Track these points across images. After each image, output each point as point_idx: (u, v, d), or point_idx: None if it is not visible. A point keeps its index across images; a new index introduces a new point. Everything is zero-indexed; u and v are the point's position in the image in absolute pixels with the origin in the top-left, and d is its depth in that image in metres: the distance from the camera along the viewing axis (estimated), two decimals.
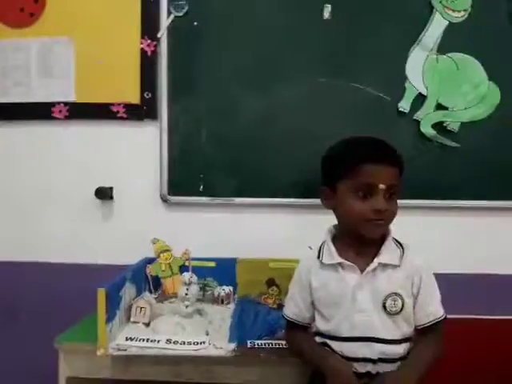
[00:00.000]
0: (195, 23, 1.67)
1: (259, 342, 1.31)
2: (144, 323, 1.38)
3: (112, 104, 1.71)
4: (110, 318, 1.27)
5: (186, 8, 1.66)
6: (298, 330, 1.23)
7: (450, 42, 1.62)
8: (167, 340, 1.27)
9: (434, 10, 1.61)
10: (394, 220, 1.16)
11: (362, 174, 1.11)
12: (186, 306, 1.39)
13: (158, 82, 1.69)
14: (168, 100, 1.69)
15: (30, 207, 1.77)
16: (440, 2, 1.61)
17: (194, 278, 1.42)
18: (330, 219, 1.21)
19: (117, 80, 1.71)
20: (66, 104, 1.73)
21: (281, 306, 1.40)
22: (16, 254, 1.75)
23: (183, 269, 1.59)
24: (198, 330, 1.34)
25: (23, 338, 1.75)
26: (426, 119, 1.64)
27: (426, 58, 1.63)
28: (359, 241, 1.15)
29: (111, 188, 1.75)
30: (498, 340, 1.64)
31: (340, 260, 1.14)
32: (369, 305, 1.12)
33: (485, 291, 1.63)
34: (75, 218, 1.76)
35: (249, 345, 1.29)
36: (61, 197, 1.76)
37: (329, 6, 1.63)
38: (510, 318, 1.65)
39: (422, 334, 1.16)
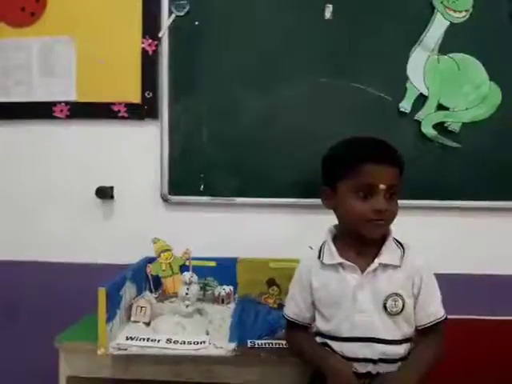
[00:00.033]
0: (196, 23, 1.67)
1: (259, 341, 1.31)
2: (144, 323, 1.39)
3: (113, 103, 1.71)
4: (110, 317, 1.27)
5: (188, 8, 1.66)
6: (298, 329, 1.23)
7: (451, 42, 1.62)
8: (167, 339, 1.28)
9: (436, 11, 1.61)
10: (395, 220, 1.16)
11: (363, 174, 1.11)
12: (187, 306, 1.39)
13: (159, 81, 1.69)
14: (169, 99, 1.69)
15: (31, 206, 1.77)
16: (441, 3, 1.61)
17: (195, 278, 1.42)
18: (330, 219, 1.21)
19: (118, 79, 1.71)
20: (67, 103, 1.73)
21: (281, 306, 1.40)
22: (16, 253, 1.76)
23: (184, 268, 1.59)
24: (199, 330, 1.34)
25: (23, 337, 1.75)
26: (427, 119, 1.64)
27: (427, 59, 1.63)
28: (360, 241, 1.15)
29: (112, 187, 1.75)
30: (498, 341, 1.63)
31: (341, 260, 1.14)
32: (369, 305, 1.12)
33: (485, 292, 1.63)
34: (76, 218, 1.77)
35: (249, 344, 1.29)
36: (61, 196, 1.76)
37: (330, 6, 1.63)
38: (510, 318, 1.64)
39: (423, 334, 1.16)
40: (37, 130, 1.76)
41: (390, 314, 1.12)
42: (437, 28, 1.61)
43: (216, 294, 1.59)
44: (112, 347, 1.26)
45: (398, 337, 1.13)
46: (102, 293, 1.25)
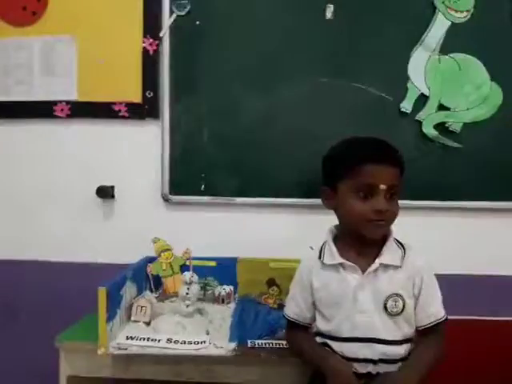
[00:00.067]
0: (197, 22, 1.67)
1: (260, 341, 1.31)
2: (145, 322, 1.39)
3: (114, 103, 1.71)
4: (110, 316, 1.27)
5: (188, 7, 1.66)
6: (298, 330, 1.23)
7: (453, 42, 1.61)
8: (168, 339, 1.28)
9: (437, 11, 1.61)
10: (396, 220, 1.15)
11: (363, 174, 1.11)
12: (187, 306, 1.39)
13: (159, 81, 1.69)
14: (170, 99, 1.69)
15: (31, 206, 1.77)
16: (443, 3, 1.60)
17: (195, 278, 1.42)
18: (331, 219, 1.21)
19: (119, 79, 1.71)
20: (67, 103, 1.73)
21: (281, 306, 1.40)
22: (17, 252, 1.75)
23: (184, 268, 1.58)
24: (199, 330, 1.34)
25: (24, 337, 1.75)
26: (428, 120, 1.64)
27: (428, 59, 1.62)
28: (360, 241, 1.15)
29: (112, 187, 1.75)
30: (499, 341, 1.63)
31: (341, 260, 1.14)
32: (370, 305, 1.12)
33: (486, 292, 1.63)
34: (76, 217, 1.77)
35: (249, 344, 1.29)
36: (62, 195, 1.76)
37: (331, 5, 1.63)
38: (511, 319, 1.64)
39: (423, 335, 1.16)
40: (37, 129, 1.76)
41: (391, 315, 1.12)
42: (438, 28, 1.61)
43: (216, 293, 1.59)
44: (112, 347, 1.26)
45: (398, 337, 1.13)
46: (102, 292, 1.25)
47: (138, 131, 1.73)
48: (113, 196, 1.75)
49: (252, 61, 1.67)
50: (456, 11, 1.61)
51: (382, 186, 1.10)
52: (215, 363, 1.29)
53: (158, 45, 1.69)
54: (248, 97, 1.67)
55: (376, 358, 1.11)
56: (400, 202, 1.15)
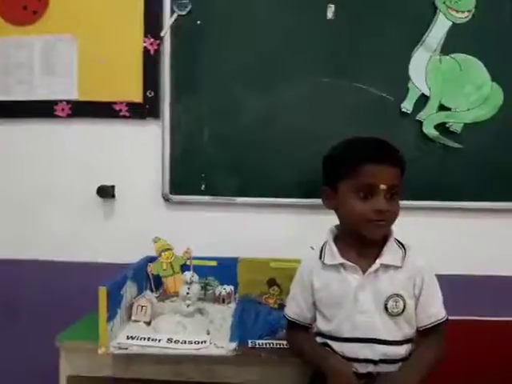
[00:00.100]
0: (198, 22, 1.67)
1: (260, 341, 1.31)
2: (145, 322, 1.39)
3: (114, 102, 1.71)
4: (111, 316, 1.27)
5: (190, 7, 1.66)
6: (299, 330, 1.24)
7: (454, 42, 1.61)
8: (168, 339, 1.27)
9: (438, 11, 1.61)
10: (396, 221, 1.15)
11: (363, 174, 1.11)
12: (187, 305, 1.39)
13: (160, 80, 1.69)
14: (170, 99, 1.69)
15: (32, 205, 1.77)
16: (444, 3, 1.60)
17: (195, 277, 1.42)
18: (331, 219, 1.21)
19: (119, 78, 1.71)
20: (68, 102, 1.73)
21: (282, 306, 1.40)
22: (17, 252, 1.76)
23: (184, 268, 1.58)
24: (199, 330, 1.34)
25: (24, 336, 1.75)
26: (429, 120, 1.64)
27: (429, 59, 1.62)
28: (361, 241, 1.15)
29: (113, 186, 1.75)
30: (500, 342, 1.63)
31: (342, 260, 1.14)
32: (370, 306, 1.12)
33: (487, 292, 1.63)
34: (77, 217, 1.76)
35: (250, 344, 1.29)
36: (62, 195, 1.76)
37: (332, 5, 1.63)
38: (511, 319, 1.64)
39: (424, 335, 1.16)
40: (38, 128, 1.76)
41: (391, 315, 1.12)
42: (439, 28, 1.61)
43: (217, 293, 1.59)
44: (113, 346, 1.26)
45: (398, 337, 1.13)
46: (102, 292, 1.24)
47: (138, 131, 1.73)
48: (113, 196, 1.75)
49: (253, 61, 1.67)
50: (457, 11, 1.61)
51: (383, 186, 1.10)
52: (216, 363, 1.29)
53: (158, 44, 1.69)
54: (249, 97, 1.67)
55: (376, 358, 1.11)
56: (400, 202, 1.15)
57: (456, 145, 1.64)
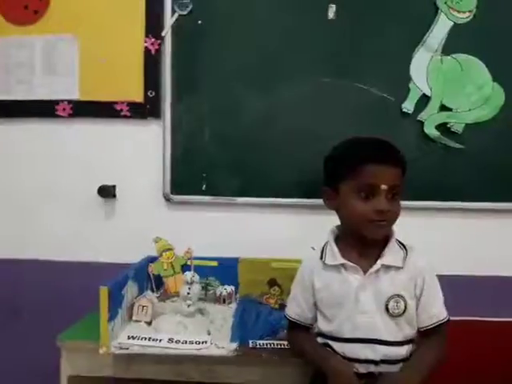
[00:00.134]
0: (199, 22, 1.67)
1: (261, 342, 1.31)
2: (146, 322, 1.39)
3: (116, 102, 1.71)
4: (112, 316, 1.27)
5: (191, 7, 1.66)
6: (300, 330, 1.24)
7: (455, 42, 1.61)
8: (169, 339, 1.27)
9: (439, 11, 1.61)
10: (397, 221, 1.15)
11: (364, 175, 1.11)
12: (188, 305, 1.39)
13: (161, 80, 1.69)
14: (171, 99, 1.69)
15: (33, 205, 1.77)
16: (445, 3, 1.60)
17: (196, 277, 1.42)
18: (332, 220, 1.21)
19: (120, 78, 1.71)
20: (69, 102, 1.73)
21: (282, 307, 1.40)
22: (18, 251, 1.76)
23: (185, 268, 1.58)
24: (200, 330, 1.34)
25: (25, 336, 1.75)
26: (430, 120, 1.64)
27: (430, 59, 1.62)
28: (362, 242, 1.15)
29: (114, 186, 1.75)
30: (501, 342, 1.63)
31: (343, 261, 1.14)
32: (371, 306, 1.12)
33: (488, 293, 1.63)
34: (78, 216, 1.77)
35: (250, 345, 1.29)
36: (63, 195, 1.76)
37: (333, 5, 1.63)
38: None
39: (425, 336, 1.16)
40: (39, 128, 1.76)
41: (392, 316, 1.12)
42: (440, 28, 1.61)
43: (217, 293, 1.59)
44: (114, 346, 1.26)
45: (399, 338, 1.13)
46: (103, 292, 1.24)
47: (139, 131, 1.73)
48: (114, 195, 1.75)
49: (254, 60, 1.66)
50: (458, 12, 1.61)
51: (383, 186, 1.10)
52: (216, 363, 1.29)
53: (159, 44, 1.69)
54: (250, 97, 1.67)
55: (377, 358, 1.11)
56: (402, 202, 1.15)
57: (457, 145, 1.64)
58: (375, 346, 1.11)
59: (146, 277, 1.61)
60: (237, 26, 1.67)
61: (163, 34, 1.68)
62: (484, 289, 1.63)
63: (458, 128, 1.64)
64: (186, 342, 1.27)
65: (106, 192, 1.72)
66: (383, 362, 1.12)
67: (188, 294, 1.39)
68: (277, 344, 1.30)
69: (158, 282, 1.63)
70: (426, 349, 1.13)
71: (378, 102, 1.64)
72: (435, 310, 1.14)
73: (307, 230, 1.61)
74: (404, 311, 1.12)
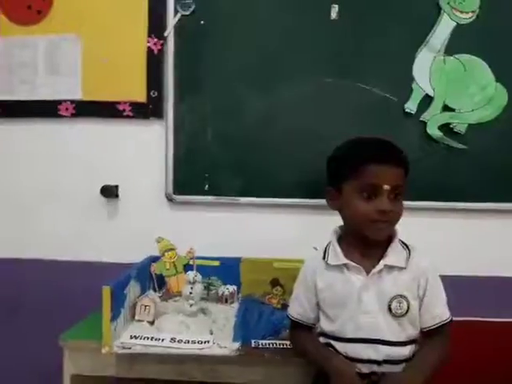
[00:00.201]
0: (202, 22, 1.67)
1: (263, 341, 1.31)
2: (148, 321, 1.39)
3: (118, 102, 1.71)
4: (114, 316, 1.27)
5: (193, 7, 1.66)
6: (302, 330, 1.23)
7: (458, 43, 1.61)
8: (171, 339, 1.27)
9: (442, 11, 1.61)
10: (400, 221, 1.15)
11: (367, 175, 1.11)
12: (190, 305, 1.39)
13: (164, 80, 1.70)
14: (174, 99, 1.69)
15: (36, 205, 1.77)
16: (448, 3, 1.60)
17: (199, 277, 1.42)
18: (335, 220, 1.21)
19: (123, 78, 1.71)
20: (72, 102, 1.73)
21: (285, 307, 1.40)
22: (21, 251, 1.76)
23: (187, 268, 1.58)
24: (202, 329, 1.34)
25: (28, 335, 1.75)
26: (433, 120, 1.63)
27: (433, 59, 1.62)
28: (365, 242, 1.15)
29: (117, 186, 1.75)
30: (504, 343, 1.63)
31: (345, 261, 1.14)
32: (374, 306, 1.12)
33: (491, 293, 1.63)
34: (80, 216, 1.77)
35: (253, 344, 1.29)
36: (66, 195, 1.76)
37: (336, 6, 1.63)
38: None
39: (428, 336, 1.15)
40: (42, 128, 1.76)
41: (395, 316, 1.12)
42: (443, 29, 1.61)
43: (220, 293, 1.59)
44: (116, 346, 1.26)
45: (402, 338, 1.13)
46: (106, 291, 1.25)
47: (142, 131, 1.74)
48: (117, 195, 1.75)
49: (257, 60, 1.67)
50: (461, 12, 1.60)
51: (386, 187, 1.10)
52: (219, 363, 1.29)
53: (162, 44, 1.69)
54: (252, 97, 1.67)
55: (380, 358, 1.11)
56: (404, 202, 1.15)
57: (460, 145, 1.64)
58: (378, 346, 1.11)
59: (149, 276, 1.61)
60: (239, 26, 1.67)
61: (166, 34, 1.68)
62: (487, 289, 1.63)
63: (460, 128, 1.63)
64: (188, 342, 1.27)
65: (109, 192, 1.73)
66: (386, 362, 1.11)
67: (190, 293, 1.39)
68: (279, 344, 1.30)
69: (161, 282, 1.63)
70: (428, 349, 1.13)
71: (380, 103, 1.64)
72: (438, 311, 1.14)
73: (309, 230, 1.61)
74: (407, 311, 1.12)
